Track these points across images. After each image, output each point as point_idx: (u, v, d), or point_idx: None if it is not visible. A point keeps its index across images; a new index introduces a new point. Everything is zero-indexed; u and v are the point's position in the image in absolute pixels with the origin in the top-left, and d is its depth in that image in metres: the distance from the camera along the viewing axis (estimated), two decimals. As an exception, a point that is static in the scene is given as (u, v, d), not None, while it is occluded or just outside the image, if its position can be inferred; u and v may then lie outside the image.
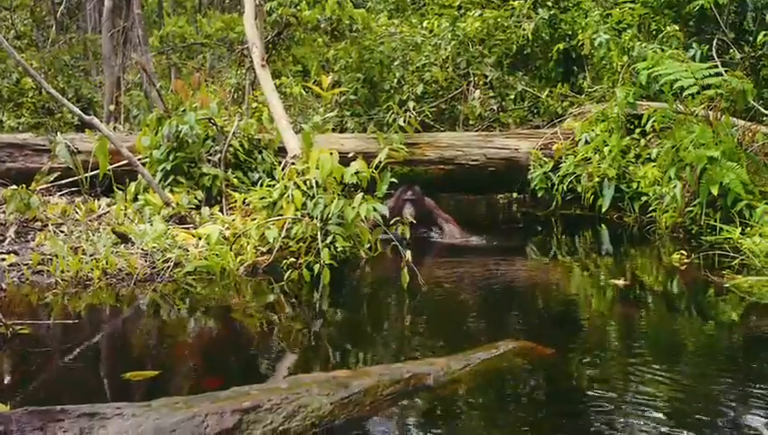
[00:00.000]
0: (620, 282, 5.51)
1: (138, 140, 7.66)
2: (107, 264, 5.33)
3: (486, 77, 10.64)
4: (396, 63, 10.77)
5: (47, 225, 6.29)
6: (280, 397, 2.79)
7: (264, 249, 5.78)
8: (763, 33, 7.92)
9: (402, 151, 7.84)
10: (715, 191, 6.73)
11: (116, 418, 2.46)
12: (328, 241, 5.48)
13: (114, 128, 11.15)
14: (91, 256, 5.44)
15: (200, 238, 5.84)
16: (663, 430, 2.83)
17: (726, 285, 5.22)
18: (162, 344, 4.25)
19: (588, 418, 3.00)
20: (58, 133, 8.24)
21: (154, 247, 5.66)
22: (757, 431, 2.82)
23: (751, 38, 8.68)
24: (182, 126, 7.28)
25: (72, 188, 7.70)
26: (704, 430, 2.85)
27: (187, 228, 6.21)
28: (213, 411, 2.59)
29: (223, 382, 3.09)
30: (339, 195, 5.69)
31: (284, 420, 2.72)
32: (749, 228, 6.34)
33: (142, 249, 5.66)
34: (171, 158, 7.33)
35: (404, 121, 8.12)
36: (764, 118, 8.17)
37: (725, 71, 7.75)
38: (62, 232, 6.10)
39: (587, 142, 8.63)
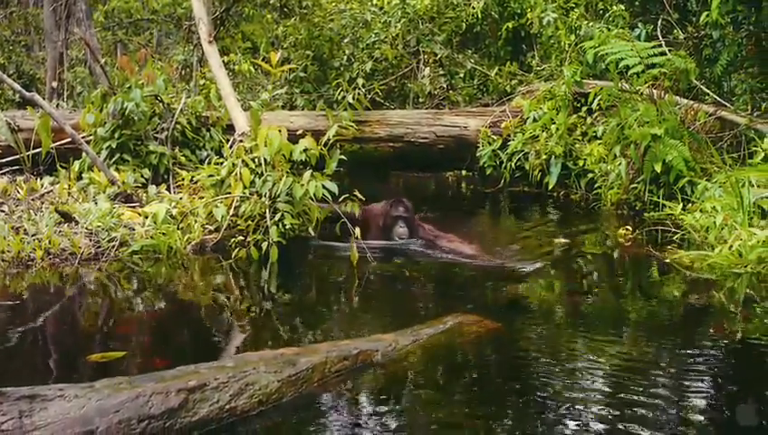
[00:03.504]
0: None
1: (82, 118, 7.50)
2: (50, 243, 5.22)
3: (436, 55, 10.66)
4: (346, 41, 10.72)
5: (-13, 204, 6.13)
6: (226, 375, 2.78)
7: (212, 228, 5.74)
8: (706, 13, 8.04)
9: (351, 129, 7.80)
10: (658, 168, 6.87)
11: (58, 399, 2.43)
12: (276, 219, 5.45)
13: (57, 105, 10.86)
14: (33, 235, 5.33)
15: (147, 217, 5.76)
16: (607, 401, 2.90)
17: (667, 260, 5.35)
18: (107, 325, 4.19)
19: (535, 390, 3.05)
20: (-2, 110, 8.03)
21: (99, 226, 5.56)
22: (692, 392, 2.92)
23: (694, 18, 8.82)
24: (128, 103, 7.15)
25: (14, 167, 7.51)
26: (646, 394, 2.92)
27: (134, 207, 6.12)
28: (158, 391, 2.58)
29: (170, 362, 3.07)
30: (287, 172, 5.66)
31: (231, 399, 2.72)
32: (690, 204, 6.49)
33: (86, 228, 5.55)
34: (117, 135, 7.20)
35: (353, 99, 8.09)
36: (706, 97, 8.33)
37: (669, 50, 7.86)
38: (2, 211, 5.95)
39: (535, 120, 8.72)
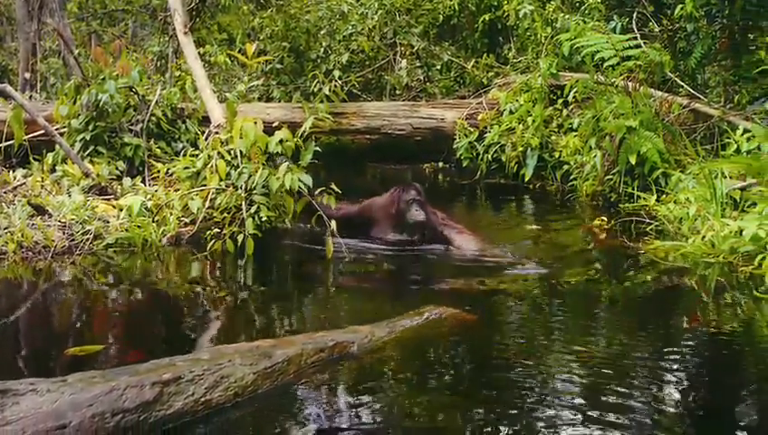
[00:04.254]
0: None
1: (55, 109, 7.42)
2: (22, 237, 5.15)
3: (413, 47, 10.66)
4: (322, 32, 10.68)
5: (-41, 197, 6.05)
6: (201, 368, 2.77)
7: (188, 220, 5.71)
8: (681, 6, 8.10)
9: (328, 121, 7.79)
10: (633, 160, 6.92)
11: (30, 394, 2.41)
12: (252, 211, 5.42)
13: (30, 96, 10.71)
14: (5, 229, 5.26)
15: (121, 210, 5.71)
16: (580, 391, 2.93)
17: (642, 251, 5.40)
18: (81, 318, 4.16)
19: (510, 382, 3.07)
20: (-31, 102, 7.91)
21: (73, 219, 5.50)
22: (667, 380, 2.96)
23: (669, 11, 8.87)
24: (102, 95, 7.08)
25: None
26: (624, 384, 2.95)
27: (108, 200, 6.07)
28: (132, 384, 2.56)
29: (144, 356, 3.05)
30: (263, 165, 5.63)
31: (206, 391, 2.71)
32: (664, 196, 6.55)
33: (60, 221, 5.49)
34: (91, 127, 7.13)
35: (329, 91, 8.06)
36: (680, 89, 8.41)
37: (644, 43, 7.92)
38: (-26, 204, 5.87)
39: (511, 112, 8.76)
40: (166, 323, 4.14)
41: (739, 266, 4.81)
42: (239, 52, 7.87)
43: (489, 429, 2.63)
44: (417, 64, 10.67)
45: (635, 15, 9.07)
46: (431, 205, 5.74)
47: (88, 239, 5.31)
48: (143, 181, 6.76)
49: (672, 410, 2.81)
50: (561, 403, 2.79)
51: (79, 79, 7.68)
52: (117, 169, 6.87)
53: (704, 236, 5.27)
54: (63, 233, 5.38)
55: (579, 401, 2.83)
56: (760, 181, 5.72)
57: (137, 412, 2.49)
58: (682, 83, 8.42)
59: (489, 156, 8.63)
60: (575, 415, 2.68)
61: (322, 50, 10.55)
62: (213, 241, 5.30)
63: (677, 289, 4.73)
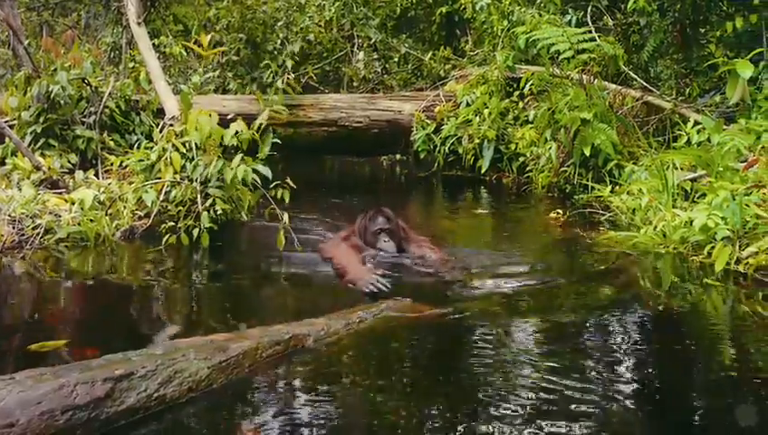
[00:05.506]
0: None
1: (5, 101, 7.28)
2: (-29, 231, 5.05)
3: (371, 39, 10.66)
4: (279, 24, 10.61)
5: None
6: (155, 363, 2.74)
7: (142, 213, 5.64)
8: (634, 0, 8.23)
9: (284, 113, 7.74)
10: (587, 152, 7.02)
11: (-24, 392, 2.36)
12: (207, 204, 5.38)
13: (-21, 88, 10.50)
14: (-48, 223, 5.15)
15: (73, 203, 5.62)
16: (536, 383, 2.95)
17: (596, 241, 5.49)
18: (32, 315, 4.08)
19: (467, 374, 3.09)
20: None
21: (23, 213, 5.39)
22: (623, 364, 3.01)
23: (622, 5, 9.00)
24: (53, 86, 6.97)
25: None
26: (577, 368, 2.99)
27: (60, 193, 5.96)
28: (82, 381, 2.52)
29: (98, 352, 3.01)
30: (219, 157, 5.58)
31: (159, 387, 2.68)
32: (618, 187, 6.65)
33: (10, 216, 5.37)
34: (42, 120, 7.02)
35: (283, 83, 8.02)
36: (634, 82, 8.54)
37: (599, 36, 8.03)
38: None
39: (468, 105, 8.82)
40: (119, 318, 4.07)
41: (689, 256, 4.91)
42: (195, 43, 7.76)
43: (445, 420, 2.65)
44: (375, 57, 10.69)
45: (589, 9, 9.20)
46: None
47: (38, 234, 5.21)
48: (96, 174, 6.67)
49: (622, 388, 2.86)
50: (517, 396, 2.81)
51: (29, 70, 7.52)
52: (69, 161, 6.78)
53: (656, 227, 5.36)
54: (13, 227, 5.26)
55: (534, 392, 2.85)
56: (709, 172, 5.84)
57: (87, 409, 2.45)
58: (635, 76, 8.56)
59: (446, 148, 8.68)
60: (530, 408, 2.70)
61: (279, 42, 10.47)
62: (168, 235, 5.24)
63: (629, 278, 4.80)
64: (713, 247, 4.67)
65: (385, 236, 4.87)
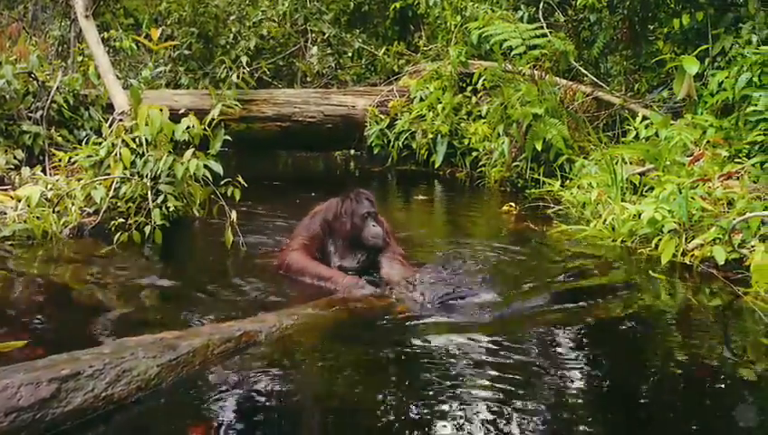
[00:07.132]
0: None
1: (-53, 96, 7.08)
2: None
3: (324, 34, 10.63)
4: (232, 18, 10.52)
5: None
6: (102, 362, 2.69)
7: (91, 210, 5.54)
8: (583, -4, 8.37)
9: (237, 108, 7.68)
10: (539, 147, 7.11)
11: None
12: (159, 201, 5.31)
13: None
14: None
15: (20, 200, 5.49)
16: (485, 373, 2.98)
17: (547, 234, 5.56)
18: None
19: (421, 364, 3.10)
20: None
21: (-33, 211, 5.28)
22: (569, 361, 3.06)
23: (573, 2, 9.12)
24: (-2, 80, 6.82)
25: None
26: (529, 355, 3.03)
27: (5, 190, 5.84)
28: (27, 382, 2.47)
29: (43, 352, 2.95)
30: (169, 152, 5.51)
31: (107, 386, 2.64)
32: (569, 181, 6.74)
33: (-47, 213, 5.27)
34: (-14, 115, 6.86)
35: (238, 78, 7.95)
36: (584, 78, 8.66)
37: (550, 32, 8.12)
38: None
39: (421, 100, 8.86)
40: (66, 317, 4.00)
41: (637, 249, 5.00)
42: (145, 37, 7.65)
43: (398, 410, 2.66)
44: (329, 51, 10.66)
45: (541, 5, 9.29)
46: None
47: (-17, 232, 5.09)
48: (43, 171, 6.53)
49: (577, 389, 2.90)
50: (468, 388, 2.83)
51: (-28, 64, 7.35)
52: (15, 157, 6.65)
53: (605, 220, 5.45)
54: (-43, 225, 5.15)
55: (484, 383, 2.88)
56: (657, 166, 5.96)
57: (32, 411, 2.40)
58: (586, 72, 8.69)
59: (400, 143, 8.71)
60: (481, 396, 2.73)
61: (232, 36, 10.40)
62: (119, 232, 5.16)
63: (578, 270, 4.86)
64: (660, 240, 4.76)
65: (372, 220, 4.49)
